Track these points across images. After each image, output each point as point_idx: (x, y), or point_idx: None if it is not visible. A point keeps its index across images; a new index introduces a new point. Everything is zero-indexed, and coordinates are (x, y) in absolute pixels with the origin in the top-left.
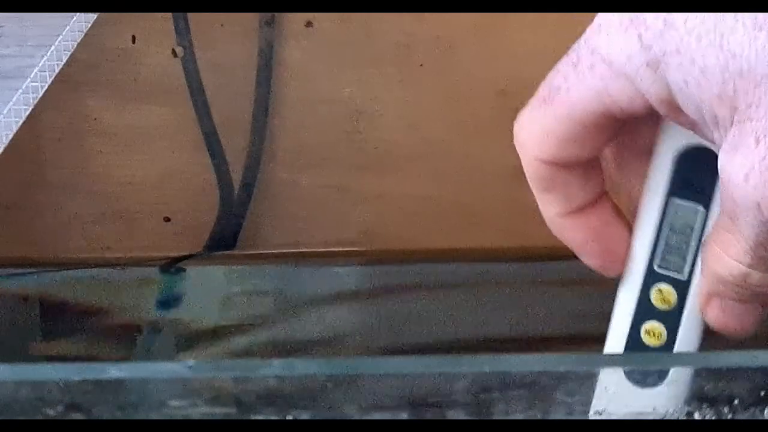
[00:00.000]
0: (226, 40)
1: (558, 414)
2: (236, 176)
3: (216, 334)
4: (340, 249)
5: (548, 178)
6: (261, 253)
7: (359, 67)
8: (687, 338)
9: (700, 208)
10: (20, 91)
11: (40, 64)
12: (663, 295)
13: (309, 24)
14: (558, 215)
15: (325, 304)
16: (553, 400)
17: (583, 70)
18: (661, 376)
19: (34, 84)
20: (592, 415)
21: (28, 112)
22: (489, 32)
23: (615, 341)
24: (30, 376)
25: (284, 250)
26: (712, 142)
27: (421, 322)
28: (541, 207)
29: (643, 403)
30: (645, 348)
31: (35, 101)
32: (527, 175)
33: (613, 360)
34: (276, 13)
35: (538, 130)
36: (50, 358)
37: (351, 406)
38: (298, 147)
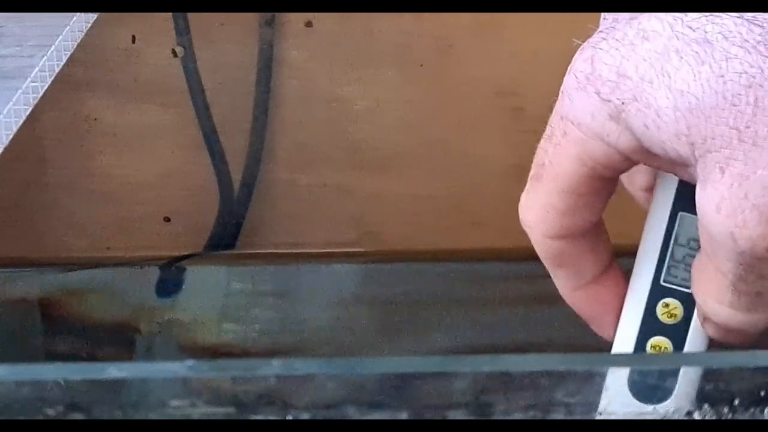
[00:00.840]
0: (226, 40)
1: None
2: (236, 176)
3: (216, 333)
4: (340, 249)
5: (558, 253)
6: (261, 253)
7: (359, 67)
8: (693, 350)
9: None
10: (20, 91)
11: (40, 64)
12: (669, 309)
13: (309, 24)
14: (572, 289)
15: (325, 304)
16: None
17: (559, 140)
18: (666, 393)
19: (34, 84)
20: None
21: (28, 112)
22: (489, 32)
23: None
24: (30, 376)
25: (284, 250)
26: (692, 179)
27: (421, 322)
28: (555, 282)
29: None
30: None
31: (35, 101)
32: (539, 254)
33: (613, 360)
34: (276, 13)
35: (539, 208)
36: (50, 358)
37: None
38: (298, 147)
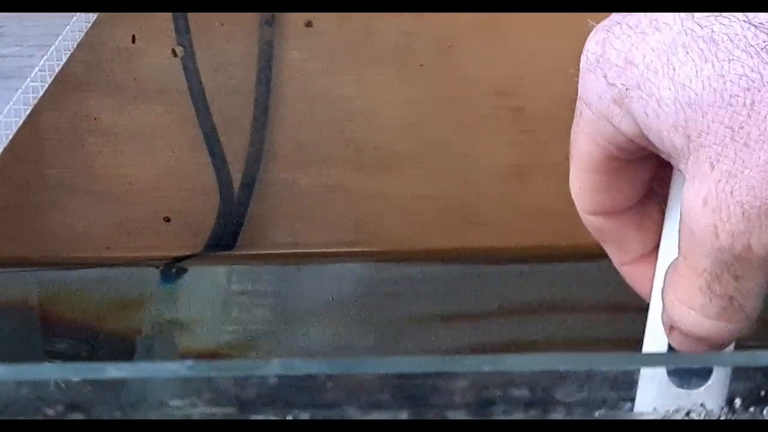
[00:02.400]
0: (226, 40)
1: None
2: (236, 176)
3: (216, 333)
4: (340, 249)
5: (598, 229)
6: (261, 253)
7: (359, 67)
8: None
9: None
10: (20, 91)
11: (40, 64)
12: None
13: (309, 24)
14: (619, 264)
15: (325, 304)
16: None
17: (577, 120)
18: (704, 376)
19: (34, 84)
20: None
21: (28, 112)
22: (489, 32)
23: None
24: (30, 376)
25: (284, 250)
26: (686, 172)
27: (420, 321)
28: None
29: (686, 402)
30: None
31: (35, 101)
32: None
33: (613, 360)
34: (276, 13)
35: (574, 185)
36: (50, 358)
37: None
38: (298, 147)
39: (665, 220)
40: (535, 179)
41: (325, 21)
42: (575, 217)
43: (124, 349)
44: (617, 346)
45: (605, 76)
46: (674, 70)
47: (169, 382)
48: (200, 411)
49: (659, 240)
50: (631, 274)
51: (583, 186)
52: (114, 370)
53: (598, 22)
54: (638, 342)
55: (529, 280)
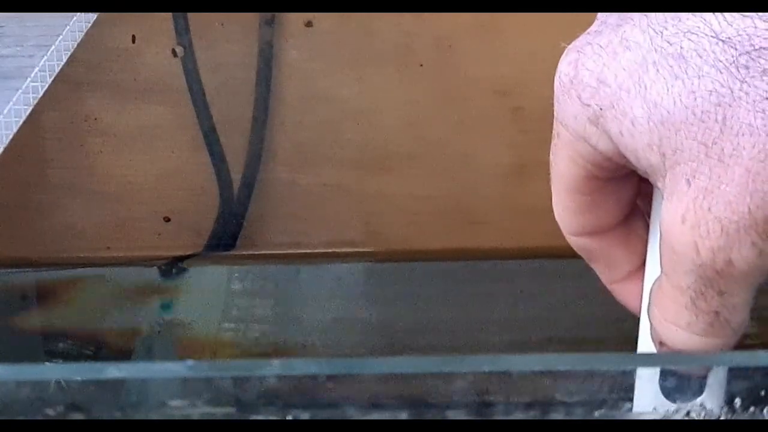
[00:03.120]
0: (226, 40)
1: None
2: (236, 176)
3: (216, 333)
4: (340, 249)
5: (584, 249)
6: (261, 253)
7: (359, 67)
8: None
9: None
10: (20, 91)
11: (40, 64)
12: None
13: (309, 24)
14: (608, 283)
15: (326, 303)
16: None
17: (555, 141)
18: (697, 391)
19: (34, 84)
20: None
21: (28, 112)
22: (489, 32)
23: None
24: (30, 376)
25: (284, 251)
26: (661, 190)
27: (420, 321)
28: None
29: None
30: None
31: (35, 101)
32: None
33: (611, 360)
34: (276, 13)
35: (559, 207)
36: (50, 358)
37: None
38: (298, 146)
39: (649, 236)
40: (535, 179)
41: (325, 21)
42: None
43: (124, 349)
44: (616, 345)
45: (579, 97)
46: (646, 88)
47: (169, 382)
48: (200, 411)
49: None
50: (621, 292)
51: (565, 207)
52: (114, 370)
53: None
54: (636, 344)
55: (528, 279)
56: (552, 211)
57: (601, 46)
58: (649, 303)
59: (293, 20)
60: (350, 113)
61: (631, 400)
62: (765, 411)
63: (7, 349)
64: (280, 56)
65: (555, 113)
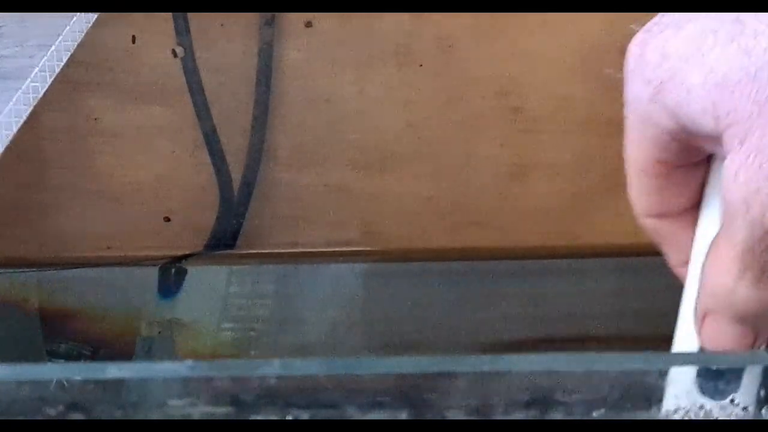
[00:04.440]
0: (226, 40)
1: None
2: (236, 176)
3: (216, 333)
4: (340, 249)
5: (654, 231)
6: (261, 253)
7: (359, 67)
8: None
9: None
10: (20, 91)
11: (41, 64)
12: None
13: (309, 24)
14: (674, 266)
15: (325, 303)
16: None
17: (626, 124)
18: (734, 387)
19: (34, 84)
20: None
21: (28, 112)
22: (489, 32)
23: (683, 341)
24: (30, 376)
25: (284, 250)
26: (720, 154)
27: (421, 321)
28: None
29: (718, 412)
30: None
31: (35, 101)
32: None
33: (614, 360)
34: (276, 13)
35: (631, 189)
36: (50, 358)
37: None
38: (298, 147)
39: (700, 214)
40: (535, 179)
41: (325, 21)
42: (574, 216)
43: (124, 349)
44: (617, 343)
45: (643, 75)
46: (703, 55)
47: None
48: (200, 411)
49: None
50: (684, 276)
51: (635, 189)
52: (114, 370)
53: (596, 23)
54: (634, 343)
55: (528, 278)
56: (552, 211)
57: (666, 24)
58: (706, 256)
59: (293, 20)
60: (350, 113)
61: (659, 399)
62: (763, 411)
63: (7, 349)
64: (280, 56)
65: (624, 96)
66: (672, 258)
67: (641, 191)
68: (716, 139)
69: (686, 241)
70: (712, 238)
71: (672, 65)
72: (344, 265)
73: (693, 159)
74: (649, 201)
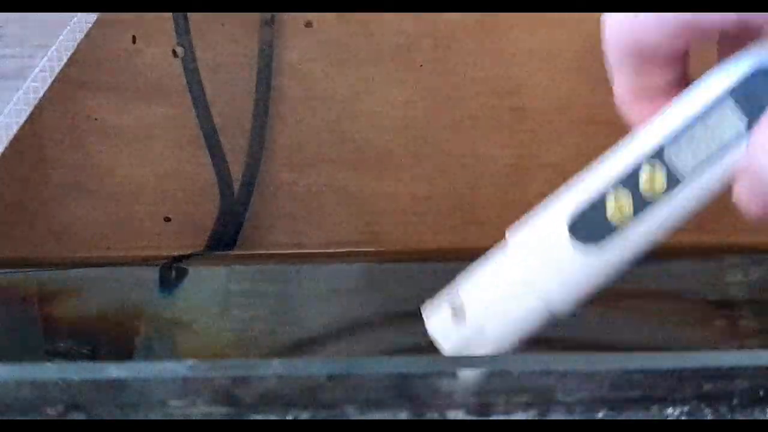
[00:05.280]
0: (226, 40)
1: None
2: (236, 176)
3: (216, 333)
4: (340, 249)
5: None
6: (261, 253)
7: (359, 67)
8: (641, 230)
9: (743, 124)
10: (20, 91)
11: (41, 65)
12: (654, 177)
13: (309, 24)
14: (624, 96)
15: (325, 303)
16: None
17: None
18: (604, 235)
19: (34, 84)
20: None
21: (28, 112)
22: (489, 32)
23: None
24: (30, 376)
25: (284, 251)
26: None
27: (420, 321)
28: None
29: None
30: (603, 213)
31: (35, 101)
32: None
33: (611, 360)
34: (276, 13)
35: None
36: (50, 358)
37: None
38: (298, 147)
39: (709, 74)
40: (535, 179)
41: (325, 21)
42: None
43: (123, 349)
44: (617, 343)
45: None
46: None
47: (169, 382)
48: (200, 411)
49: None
50: (631, 110)
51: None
52: (114, 370)
53: (595, 23)
54: (633, 346)
55: None
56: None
57: None
58: (750, 143)
59: (293, 20)
60: (350, 113)
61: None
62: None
63: (7, 349)
64: (280, 56)
65: None
66: (623, 84)
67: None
68: None
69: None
70: (704, 98)
71: None
72: (344, 265)
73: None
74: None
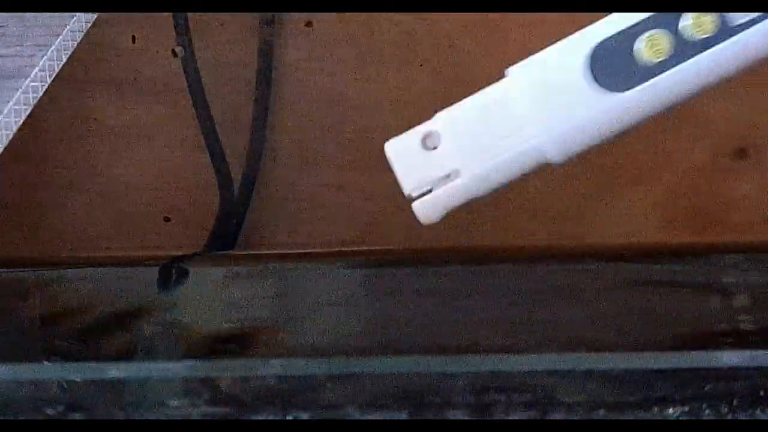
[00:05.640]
0: (226, 40)
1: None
2: (236, 176)
3: (216, 334)
4: (340, 249)
5: None
6: (261, 253)
7: (359, 66)
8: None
9: None
10: (20, 91)
11: (40, 64)
12: (701, 18)
13: (309, 24)
14: None
15: (326, 303)
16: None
17: None
18: (630, 75)
19: (34, 84)
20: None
21: (28, 112)
22: (490, 32)
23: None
24: (30, 376)
25: (284, 250)
26: None
27: (421, 322)
28: None
29: (605, 108)
30: (632, 52)
31: (35, 101)
32: None
33: (612, 360)
34: (276, 13)
35: None
36: (50, 358)
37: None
38: (299, 146)
39: None
40: (535, 179)
41: (325, 21)
42: (574, 216)
43: (123, 349)
44: (616, 345)
45: None
46: None
47: (169, 382)
48: (200, 411)
49: None
50: None
51: None
52: (114, 370)
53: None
54: (636, 344)
55: (528, 280)
56: (551, 211)
57: None
58: None
59: (293, 20)
60: (350, 113)
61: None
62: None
63: (7, 349)
64: (280, 56)
65: None
66: None
67: None
68: None
69: None
70: None
71: None
72: (345, 266)
73: None
74: None
